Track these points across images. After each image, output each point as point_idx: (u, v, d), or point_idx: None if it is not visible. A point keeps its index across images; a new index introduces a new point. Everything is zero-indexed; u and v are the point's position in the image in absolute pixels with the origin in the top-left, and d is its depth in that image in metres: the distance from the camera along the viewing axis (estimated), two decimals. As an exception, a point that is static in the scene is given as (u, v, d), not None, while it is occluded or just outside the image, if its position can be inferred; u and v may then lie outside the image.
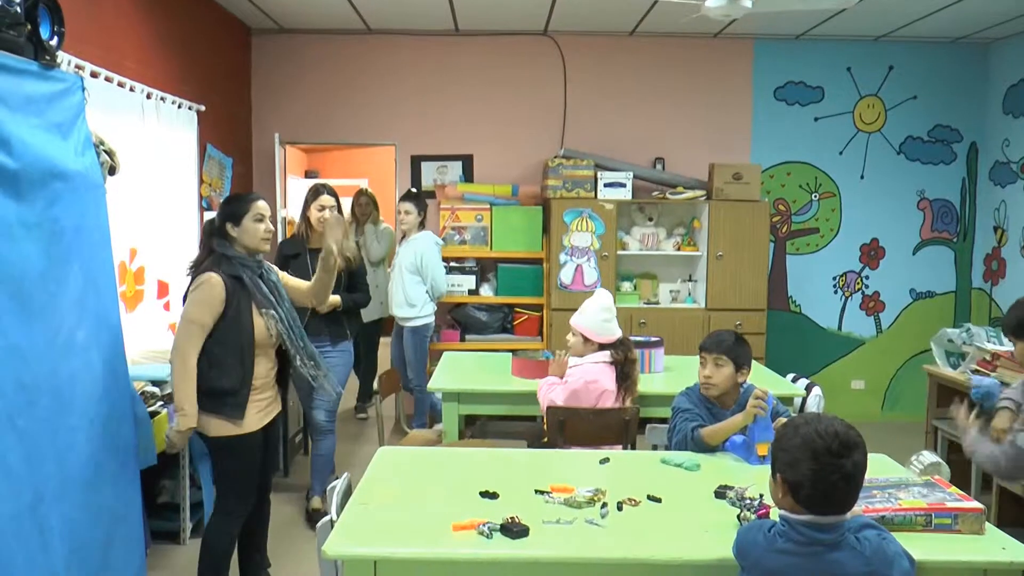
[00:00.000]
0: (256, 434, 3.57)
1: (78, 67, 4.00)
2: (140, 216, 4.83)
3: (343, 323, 4.87)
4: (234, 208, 3.56)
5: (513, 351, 5.06)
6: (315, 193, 4.83)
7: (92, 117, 3.47)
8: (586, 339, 4.13)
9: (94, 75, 4.24)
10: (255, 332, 3.48)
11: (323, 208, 4.75)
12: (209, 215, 5.91)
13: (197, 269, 3.53)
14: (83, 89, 3.26)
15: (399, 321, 6.25)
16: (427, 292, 6.16)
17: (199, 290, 3.43)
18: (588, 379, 4.01)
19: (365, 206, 7.15)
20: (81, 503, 3.05)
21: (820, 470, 2.07)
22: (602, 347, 4.11)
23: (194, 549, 4.50)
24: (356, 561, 2.35)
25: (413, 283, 6.12)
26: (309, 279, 4.00)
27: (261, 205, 3.59)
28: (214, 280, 3.42)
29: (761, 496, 2.64)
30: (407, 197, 6.30)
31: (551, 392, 4.05)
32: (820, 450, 2.08)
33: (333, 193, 4.86)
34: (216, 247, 3.53)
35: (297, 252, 4.81)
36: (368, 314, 6.61)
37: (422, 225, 6.22)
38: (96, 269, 3.33)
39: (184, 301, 3.54)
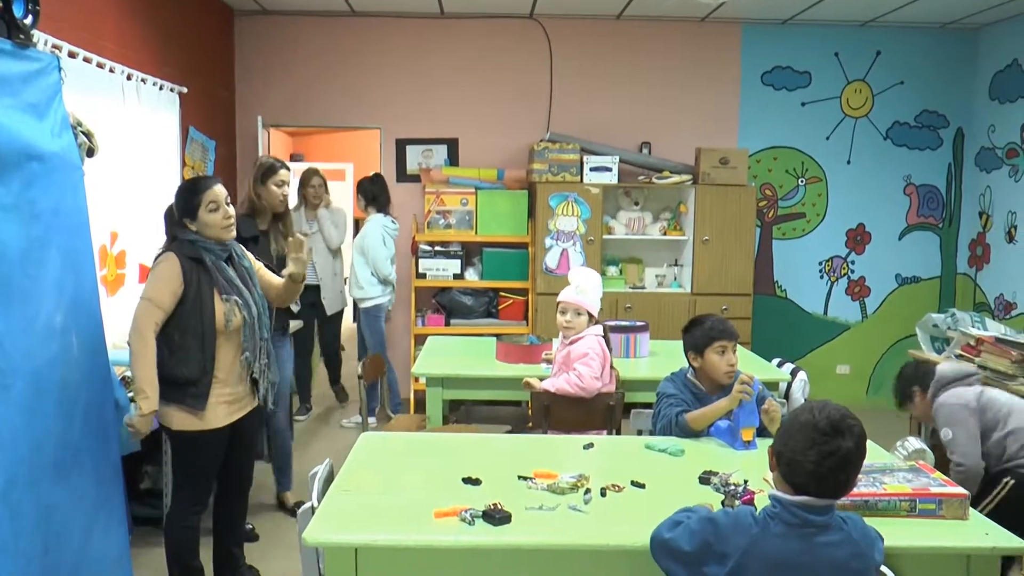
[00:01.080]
0: (222, 430, 3.44)
1: (55, 47, 3.94)
2: (121, 199, 4.77)
3: (285, 316, 4.76)
4: (186, 201, 3.39)
5: (498, 336, 5.04)
6: (271, 169, 4.50)
7: (70, 98, 3.42)
8: (590, 315, 4.10)
9: (72, 55, 4.17)
10: (216, 318, 3.36)
11: (282, 184, 4.49)
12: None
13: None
14: (59, 69, 3.21)
15: (356, 303, 6.53)
16: (372, 273, 6.36)
17: (156, 268, 3.33)
18: (596, 347, 3.98)
19: (318, 188, 6.65)
20: (59, 489, 3.01)
21: (810, 446, 2.06)
22: (589, 318, 4.12)
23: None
24: (337, 548, 2.33)
25: (360, 264, 6.39)
26: (270, 262, 3.97)
27: (213, 192, 3.38)
28: (171, 259, 3.31)
29: (746, 482, 2.63)
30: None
31: (589, 371, 3.92)
32: (813, 428, 2.07)
33: (289, 168, 4.65)
34: (178, 235, 3.42)
35: (255, 234, 4.45)
36: (332, 305, 6.69)
37: (379, 210, 6.42)
38: (75, 252, 3.28)
39: None
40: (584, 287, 4.14)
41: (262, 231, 4.50)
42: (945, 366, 4.13)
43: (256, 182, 4.48)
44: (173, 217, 3.51)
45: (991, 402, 3.80)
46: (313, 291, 6.44)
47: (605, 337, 4.07)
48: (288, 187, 4.53)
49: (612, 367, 4.07)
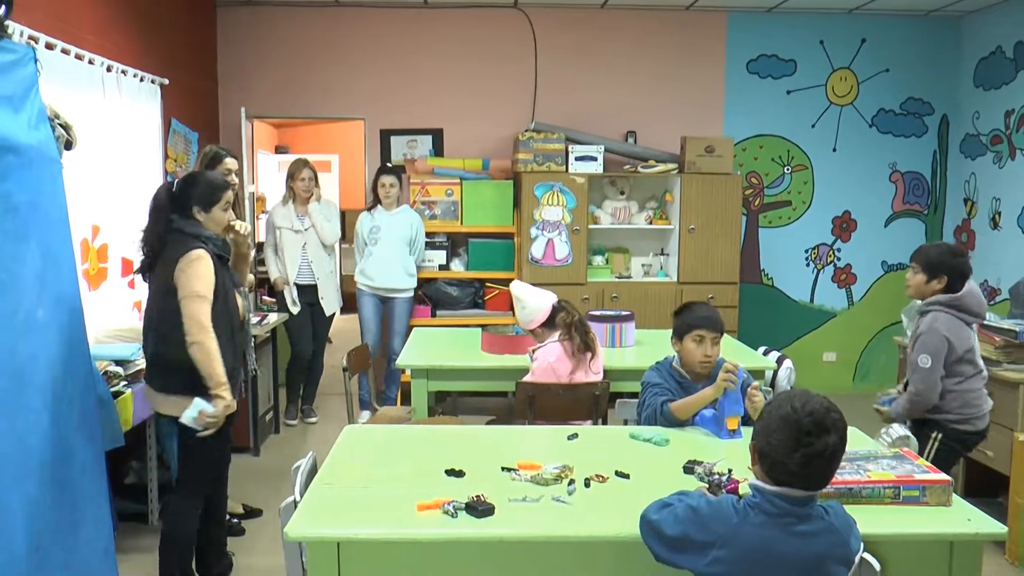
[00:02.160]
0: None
1: (31, 38, 3.89)
2: (102, 192, 4.73)
3: None
4: (211, 194, 3.44)
5: (484, 326, 5.02)
6: (216, 158, 4.41)
7: (49, 91, 3.38)
8: (533, 331, 4.22)
9: (49, 47, 4.12)
10: (239, 311, 3.40)
11: (229, 173, 4.39)
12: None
13: (158, 243, 3.42)
14: (36, 61, 3.16)
15: (389, 293, 6.44)
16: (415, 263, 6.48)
17: (196, 265, 3.31)
18: (550, 360, 4.01)
19: (308, 181, 6.26)
20: (44, 485, 2.99)
21: (795, 449, 2.04)
22: (549, 326, 4.13)
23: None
24: (319, 543, 2.31)
25: (406, 254, 6.42)
26: (220, 251, 3.97)
27: (228, 193, 3.50)
28: (205, 256, 3.34)
29: (730, 471, 2.62)
30: (390, 171, 6.53)
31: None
32: (797, 429, 2.04)
33: (236, 156, 4.60)
34: (176, 223, 3.41)
35: None
36: (331, 305, 6.52)
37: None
38: (55, 246, 3.24)
39: (149, 280, 3.47)
40: (521, 304, 4.24)
41: None
42: (974, 293, 3.80)
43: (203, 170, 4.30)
44: (173, 204, 3.45)
45: (973, 357, 3.79)
46: (310, 291, 6.36)
47: (582, 331, 4.05)
48: (235, 177, 4.44)
49: (590, 355, 4.07)
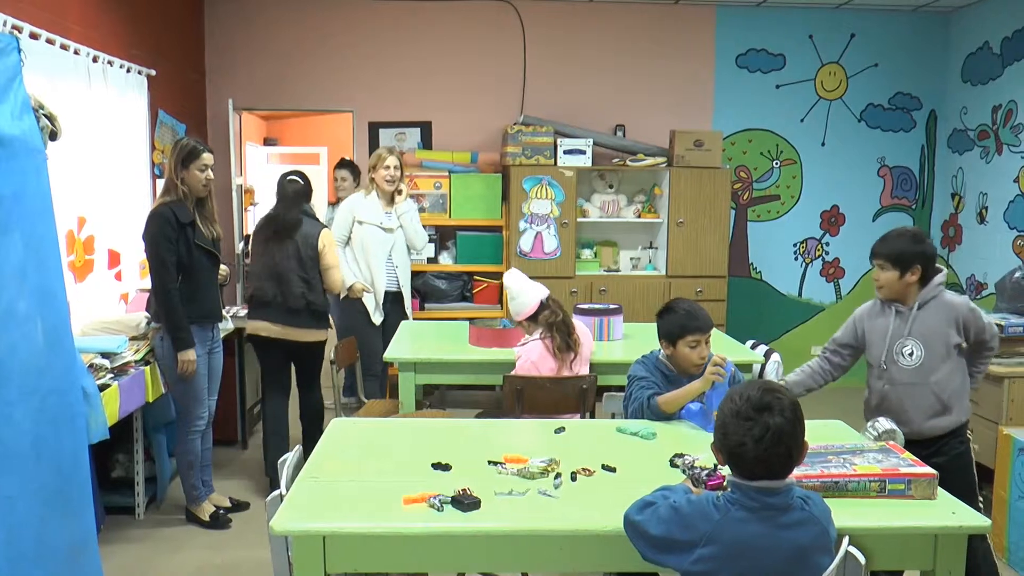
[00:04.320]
0: None
1: (15, 28, 3.86)
2: (88, 184, 4.70)
3: None
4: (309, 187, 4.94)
5: (472, 320, 5.01)
6: (193, 152, 4.23)
7: (33, 81, 3.35)
8: (519, 322, 4.25)
9: (34, 36, 4.09)
10: None
11: (205, 168, 4.26)
12: (162, 182, 5.77)
13: (295, 222, 4.82)
14: (19, 50, 3.13)
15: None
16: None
17: (334, 241, 5.07)
18: (532, 359, 4.03)
19: (395, 170, 5.55)
20: (18, 479, 2.96)
21: (743, 436, 2.07)
22: (534, 321, 4.15)
23: (149, 524, 4.48)
24: (305, 536, 2.30)
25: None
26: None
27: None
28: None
29: (716, 466, 2.62)
30: (343, 165, 6.57)
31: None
32: (739, 417, 2.09)
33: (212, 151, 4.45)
34: (307, 209, 4.89)
35: (192, 219, 4.25)
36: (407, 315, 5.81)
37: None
38: (38, 237, 3.21)
39: (275, 247, 4.80)
40: (511, 295, 4.26)
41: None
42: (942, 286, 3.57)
43: (178, 166, 4.21)
44: (308, 196, 4.93)
45: None
46: (395, 298, 5.65)
47: (564, 332, 4.06)
48: (211, 172, 4.31)
49: (573, 353, 4.07)
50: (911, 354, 3.46)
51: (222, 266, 4.58)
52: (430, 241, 6.81)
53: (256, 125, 10.95)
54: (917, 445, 3.23)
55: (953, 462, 3.33)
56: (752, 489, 2.09)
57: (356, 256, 5.54)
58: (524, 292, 4.19)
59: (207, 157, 4.28)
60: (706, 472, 2.39)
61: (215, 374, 4.56)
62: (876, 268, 3.62)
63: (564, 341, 4.01)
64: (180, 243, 4.15)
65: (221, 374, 4.61)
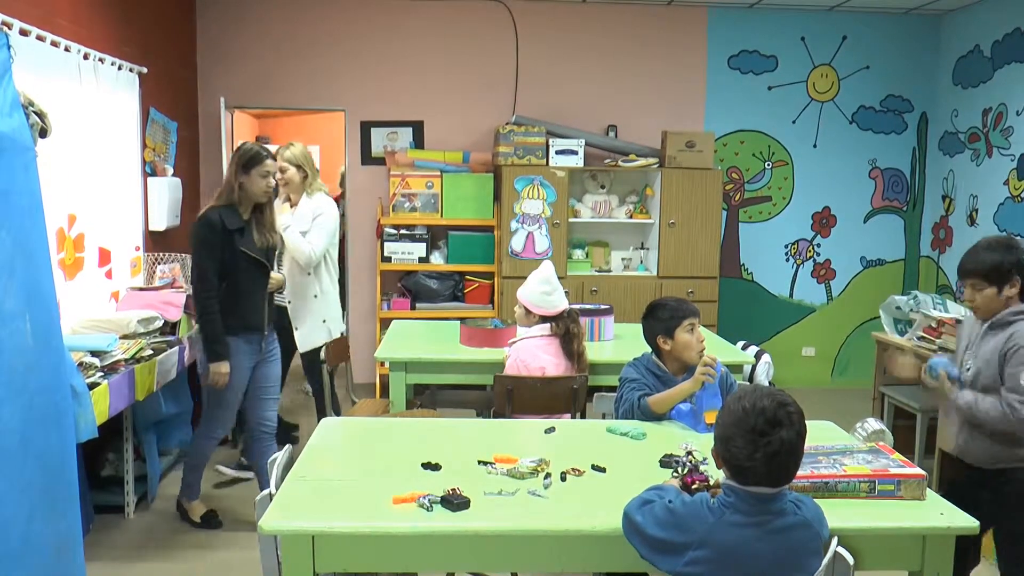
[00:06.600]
0: None
1: (5, 24, 3.83)
2: (79, 181, 4.67)
3: None
4: None
5: (463, 319, 5.01)
6: (256, 158, 4.11)
7: (23, 78, 3.33)
8: (528, 311, 4.15)
9: (24, 33, 4.06)
10: None
11: (268, 174, 4.14)
12: (153, 181, 5.76)
13: None
14: (8, 47, 3.11)
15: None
16: None
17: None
18: (522, 358, 4.02)
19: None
20: (5, 477, 2.94)
21: (754, 451, 2.06)
22: (545, 319, 4.11)
23: (140, 523, 4.47)
24: (293, 536, 2.29)
25: None
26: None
27: None
28: None
29: (704, 459, 2.61)
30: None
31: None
32: (751, 431, 2.06)
33: (276, 158, 4.41)
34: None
35: (240, 226, 4.14)
36: None
37: None
38: (27, 235, 3.19)
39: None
40: (527, 279, 4.22)
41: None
42: None
43: (239, 170, 4.11)
44: None
45: None
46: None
47: (567, 331, 4.07)
48: (273, 178, 4.19)
49: (574, 364, 4.08)
50: (968, 370, 3.17)
51: (274, 274, 4.44)
52: (421, 240, 6.82)
53: (248, 123, 10.92)
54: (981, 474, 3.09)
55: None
56: (748, 494, 2.09)
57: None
58: (560, 291, 4.18)
59: (270, 163, 4.15)
60: (687, 469, 2.38)
61: (269, 382, 4.39)
62: (968, 288, 3.14)
63: (567, 349, 4.05)
64: (224, 249, 4.04)
65: (281, 383, 4.47)
